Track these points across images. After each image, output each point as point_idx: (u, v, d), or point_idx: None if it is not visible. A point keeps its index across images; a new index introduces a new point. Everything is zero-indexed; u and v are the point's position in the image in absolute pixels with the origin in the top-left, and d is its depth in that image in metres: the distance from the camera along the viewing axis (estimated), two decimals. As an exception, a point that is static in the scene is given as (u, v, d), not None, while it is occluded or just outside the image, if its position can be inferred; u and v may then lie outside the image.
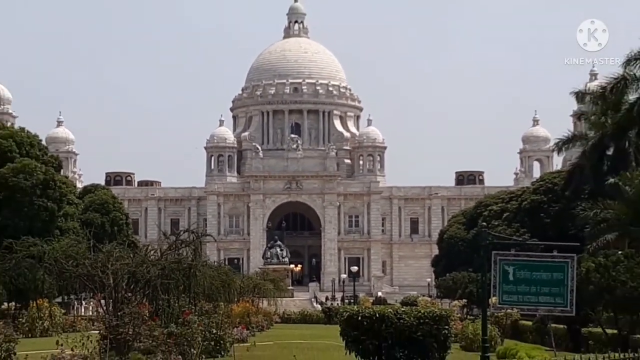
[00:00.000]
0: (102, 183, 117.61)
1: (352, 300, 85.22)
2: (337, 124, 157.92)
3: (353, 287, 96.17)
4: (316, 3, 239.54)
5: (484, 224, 73.39)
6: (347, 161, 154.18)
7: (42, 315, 49.26)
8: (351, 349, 25.26)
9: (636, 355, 23.42)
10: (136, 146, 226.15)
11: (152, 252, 29.52)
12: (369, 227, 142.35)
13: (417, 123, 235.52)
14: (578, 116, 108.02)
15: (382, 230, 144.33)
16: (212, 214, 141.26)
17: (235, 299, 51.07)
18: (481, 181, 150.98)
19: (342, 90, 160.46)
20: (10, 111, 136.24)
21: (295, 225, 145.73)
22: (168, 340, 25.82)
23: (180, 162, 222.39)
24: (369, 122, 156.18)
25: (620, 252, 38.33)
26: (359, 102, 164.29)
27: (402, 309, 26.13)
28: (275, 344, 39.19)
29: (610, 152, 49.07)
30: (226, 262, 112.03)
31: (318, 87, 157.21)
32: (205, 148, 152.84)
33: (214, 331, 32.05)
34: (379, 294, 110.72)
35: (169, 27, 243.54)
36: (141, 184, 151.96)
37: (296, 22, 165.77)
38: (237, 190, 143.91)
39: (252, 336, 43.59)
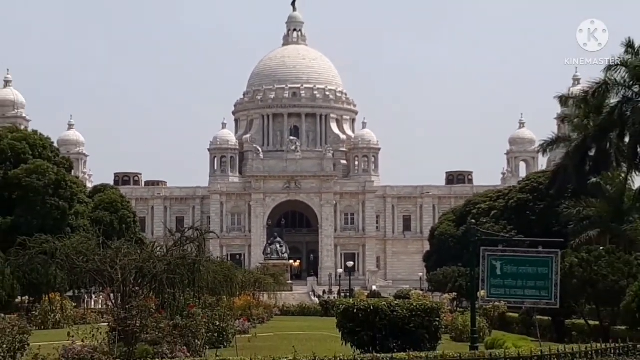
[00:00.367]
0: (111, 183, 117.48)
1: (348, 294, 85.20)
2: (334, 126, 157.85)
3: (349, 281, 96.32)
4: (314, 12, 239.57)
5: (473, 221, 73.41)
6: (343, 162, 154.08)
7: (54, 308, 49.19)
8: (347, 339, 25.27)
9: (617, 345, 23.44)
10: (143, 148, 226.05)
11: (158, 248, 29.46)
12: (364, 224, 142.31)
13: (409, 126, 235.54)
14: (562, 119, 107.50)
15: (377, 228, 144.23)
16: (216, 212, 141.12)
17: (237, 293, 50.98)
18: (470, 181, 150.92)
19: (338, 94, 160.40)
20: (24, 115, 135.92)
21: (294, 222, 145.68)
22: (174, 332, 25.80)
23: (185, 163, 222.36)
24: (364, 125, 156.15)
25: (602, 248, 38.36)
26: (355, 106, 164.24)
27: (396, 302, 26.16)
28: (275, 335, 39.15)
29: (592, 153, 49.12)
30: (229, 258, 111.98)
31: (316, 92, 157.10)
32: (209, 150, 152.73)
33: (217, 323, 32.04)
34: (374, 287, 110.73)
35: (176, 36, 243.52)
36: (148, 183, 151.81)
37: (295, 30, 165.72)
38: (239, 190, 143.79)
39: (254, 328, 43.56)
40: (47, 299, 51.11)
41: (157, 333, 25.06)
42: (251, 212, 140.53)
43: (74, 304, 53.97)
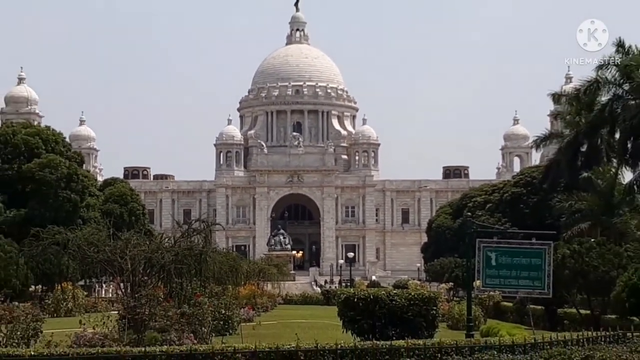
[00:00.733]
0: (121, 177, 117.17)
1: (348, 284, 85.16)
2: (335, 123, 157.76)
3: (349, 272, 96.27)
4: (316, 13, 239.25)
5: (469, 214, 73.76)
6: (344, 157, 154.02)
7: (66, 297, 49.29)
8: (348, 327, 25.28)
9: (607, 333, 23.44)
10: (152, 143, 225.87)
11: (166, 239, 29.45)
12: (364, 217, 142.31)
13: (408, 122, 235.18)
14: (555, 116, 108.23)
15: (376, 220, 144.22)
16: (221, 205, 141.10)
17: (242, 282, 51.08)
18: (466, 175, 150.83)
19: (339, 92, 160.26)
20: (37, 111, 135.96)
21: (296, 215, 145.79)
22: (181, 320, 25.84)
23: (192, 158, 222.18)
24: (364, 122, 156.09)
25: (592, 240, 38.37)
26: (355, 103, 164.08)
27: (394, 292, 26.15)
28: (278, 323, 39.20)
29: (584, 148, 48.99)
30: (234, 249, 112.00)
31: (317, 90, 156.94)
32: (215, 145, 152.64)
33: (223, 311, 32.10)
34: (373, 277, 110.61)
35: (185, 36, 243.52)
36: (156, 177, 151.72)
37: (298, 30, 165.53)
38: (243, 184, 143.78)
39: (258, 316, 43.62)
40: (59, 287, 51.23)
41: (165, 321, 25.10)
42: (255, 205, 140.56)
43: (85, 293, 54.06)
